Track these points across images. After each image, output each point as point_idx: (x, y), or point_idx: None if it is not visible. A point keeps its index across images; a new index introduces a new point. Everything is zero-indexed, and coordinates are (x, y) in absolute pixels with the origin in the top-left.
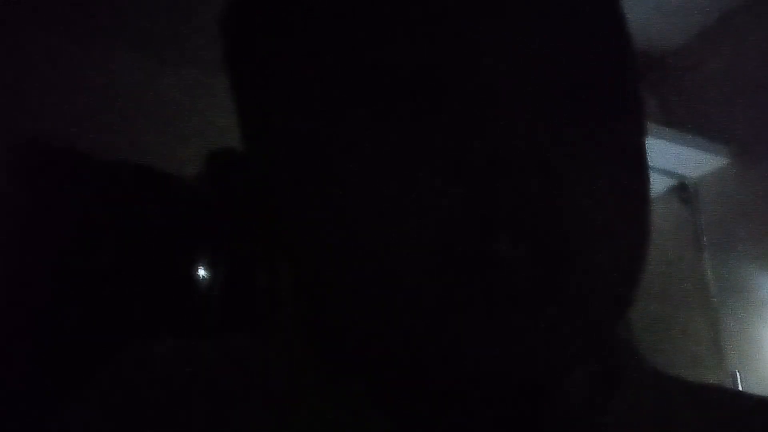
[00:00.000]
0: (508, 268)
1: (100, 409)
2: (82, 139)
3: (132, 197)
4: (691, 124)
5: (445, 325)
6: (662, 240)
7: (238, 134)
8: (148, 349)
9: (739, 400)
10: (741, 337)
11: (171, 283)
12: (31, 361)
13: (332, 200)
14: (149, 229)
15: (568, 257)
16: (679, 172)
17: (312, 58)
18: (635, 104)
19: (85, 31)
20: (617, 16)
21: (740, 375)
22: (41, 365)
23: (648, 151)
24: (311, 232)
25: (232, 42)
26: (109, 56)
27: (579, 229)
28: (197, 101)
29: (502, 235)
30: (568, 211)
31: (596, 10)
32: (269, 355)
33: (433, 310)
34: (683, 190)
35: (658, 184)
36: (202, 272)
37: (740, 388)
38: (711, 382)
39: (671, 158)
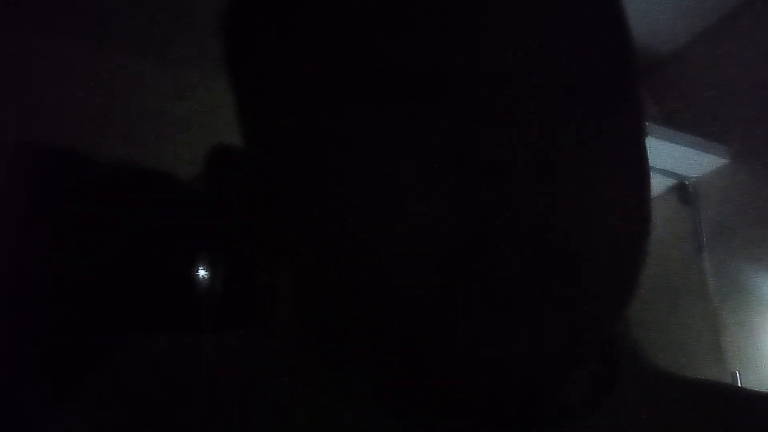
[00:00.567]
0: (509, 268)
1: (99, 407)
2: (81, 140)
3: (132, 197)
4: (690, 125)
5: (446, 324)
6: (661, 240)
7: (238, 134)
8: (146, 346)
9: (739, 396)
10: (741, 337)
11: (171, 283)
12: (30, 360)
13: (332, 199)
14: (149, 229)
15: (568, 258)
16: (679, 172)
17: (312, 57)
18: (635, 104)
19: (83, 31)
20: (618, 16)
21: (740, 375)
22: (41, 364)
23: (648, 150)
24: (311, 230)
25: (231, 41)
26: (107, 57)
27: (579, 229)
28: (197, 102)
29: (502, 235)
30: (568, 211)
31: (596, 10)
32: (269, 354)
33: (434, 310)
34: (683, 190)
35: (657, 184)
36: (202, 271)
37: None
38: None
39: (670, 158)
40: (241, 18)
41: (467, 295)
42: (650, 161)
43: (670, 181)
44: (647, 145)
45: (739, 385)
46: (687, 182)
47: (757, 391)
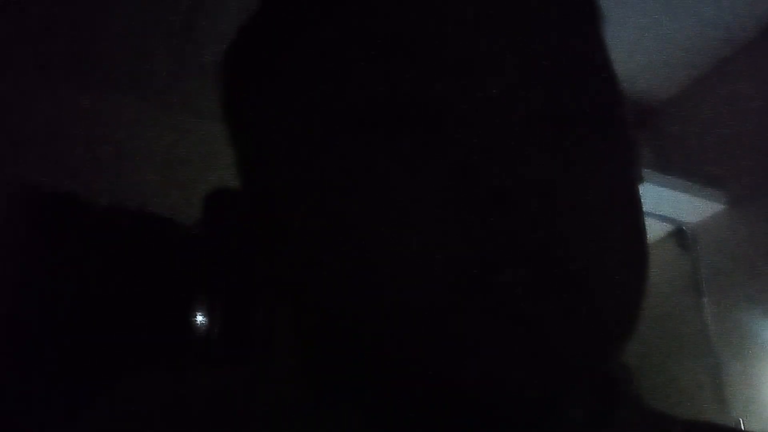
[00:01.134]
0: (513, 293)
1: None
2: (80, 184)
3: (129, 241)
4: (687, 170)
5: (451, 363)
6: (661, 286)
7: (236, 177)
8: (144, 385)
9: None
10: (743, 384)
11: (169, 326)
12: (29, 401)
13: (334, 237)
14: (147, 271)
15: (570, 280)
16: (677, 217)
17: (310, 98)
18: (625, 137)
19: (84, 77)
20: (603, 56)
21: (743, 422)
22: (39, 406)
23: (644, 195)
24: (313, 269)
25: (229, 86)
26: (106, 100)
27: (579, 253)
28: (196, 147)
29: (505, 261)
30: (568, 235)
31: (585, 55)
32: (266, 392)
33: (439, 349)
34: (681, 236)
35: (655, 230)
36: (199, 314)
37: None
38: None
39: (668, 204)
40: (241, 64)
41: (473, 327)
42: (648, 207)
43: (668, 227)
44: (644, 191)
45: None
46: (685, 228)
47: None
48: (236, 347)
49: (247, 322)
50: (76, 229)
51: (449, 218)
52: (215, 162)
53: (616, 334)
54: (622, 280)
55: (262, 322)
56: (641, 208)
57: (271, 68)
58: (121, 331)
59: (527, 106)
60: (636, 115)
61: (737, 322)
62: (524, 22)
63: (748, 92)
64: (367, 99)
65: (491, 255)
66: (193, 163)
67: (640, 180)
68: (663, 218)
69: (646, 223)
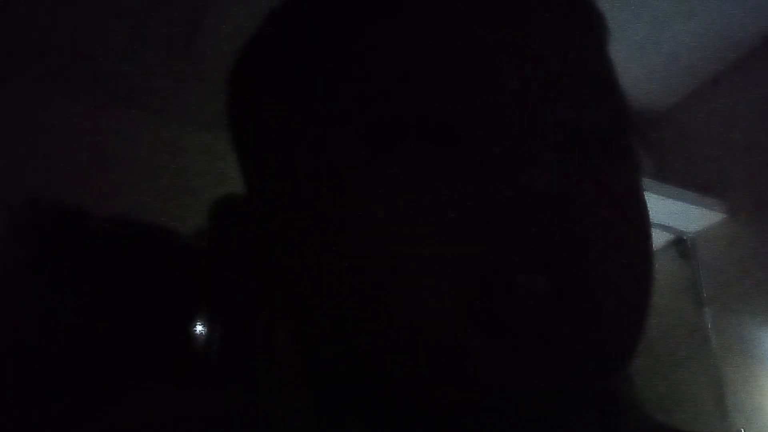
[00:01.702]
0: (521, 306)
1: None
2: (82, 196)
3: (131, 253)
4: (687, 180)
5: (457, 375)
6: (662, 295)
7: (241, 188)
8: (144, 401)
9: None
10: (745, 395)
11: (169, 339)
12: (28, 413)
13: (344, 249)
14: (149, 284)
15: (581, 296)
16: (677, 227)
17: (320, 110)
18: (630, 149)
19: (84, 88)
20: (612, 75)
21: None
22: (39, 418)
23: (645, 200)
24: (319, 281)
25: (238, 97)
26: (107, 112)
27: (591, 268)
28: (199, 157)
29: (518, 274)
30: (581, 248)
31: (595, 70)
32: (267, 408)
33: (446, 361)
34: (682, 245)
35: (656, 239)
36: (200, 326)
37: None
38: None
39: (668, 213)
40: (250, 74)
41: (481, 339)
42: (648, 216)
43: (669, 236)
44: (646, 199)
45: None
46: (685, 237)
47: None
48: (237, 359)
49: (249, 334)
50: (76, 241)
51: (461, 229)
52: (217, 173)
53: (622, 350)
54: (629, 296)
55: (264, 334)
56: (649, 224)
57: (281, 80)
58: (121, 342)
59: (539, 119)
60: (636, 124)
61: (738, 332)
62: (538, 39)
63: (747, 102)
64: (380, 111)
65: (504, 266)
66: (194, 174)
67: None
68: (663, 227)
69: None
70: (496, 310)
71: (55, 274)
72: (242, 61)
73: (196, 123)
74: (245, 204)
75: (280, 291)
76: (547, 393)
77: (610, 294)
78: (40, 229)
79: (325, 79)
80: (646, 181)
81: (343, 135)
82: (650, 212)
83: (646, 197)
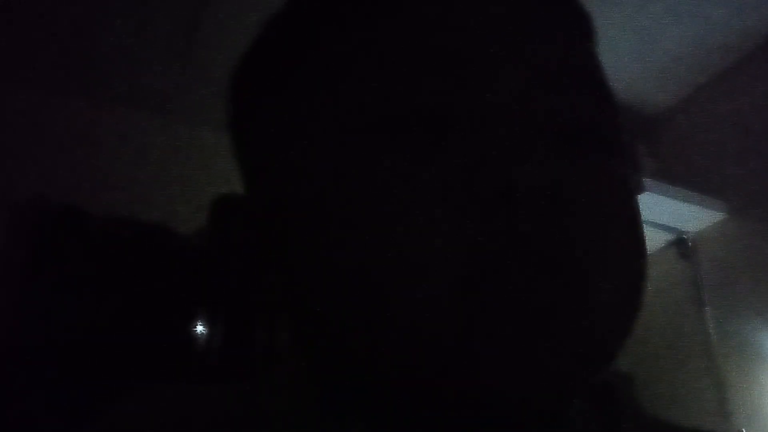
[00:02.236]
0: (520, 290)
1: None
2: (81, 196)
3: (131, 253)
4: (688, 180)
5: (454, 369)
6: (663, 295)
7: (239, 187)
8: (145, 400)
9: None
10: (746, 395)
11: (170, 338)
12: (29, 412)
13: (343, 244)
14: (149, 284)
15: (571, 286)
16: (677, 226)
17: (320, 108)
18: (620, 146)
19: (85, 88)
20: (599, 74)
21: None
22: (39, 417)
23: (645, 205)
24: (319, 277)
25: (239, 96)
26: (109, 113)
27: (582, 258)
28: (201, 158)
29: (509, 264)
30: (573, 235)
31: (581, 68)
32: (269, 407)
33: (443, 355)
34: (682, 245)
35: (656, 239)
36: (201, 326)
37: None
38: None
39: (669, 213)
40: (249, 75)
41: (477, 332)
42: (649, 216)
43: (670, 236)
44: (645, 200)
45: None
46: (686, 237)
47: None
48: (238, 358)
49: (250, 335)
50: (77, 241)
51: (454, 222)
52: (218, 173)
53: (612, 341)
54: (620, 287)
55: (265, 334)
56: (640, 218)
57: (279, 79)
58: (121, 342)
59: (530, 114)
60: (637, 124)
61: (739, 332)
62: (530, 37)
63: (748, 102)
64: (375, 107)
65: (496, 257)
66: (195, 174)
67: (642, 189)
68: (664, 227)
69: (648, 232)
70: (487, 301)
71: (55, 274)
72: (242, 64)
73: (198, 123)
74: (244, 203)
75: (280, 290)
76: (538, 384)
77: (601, 285)
78: (41, 229)
79: (322, 79)
80: (647, 181)
81: (341, 133)
82: (651, 212)
83: (646, 197)
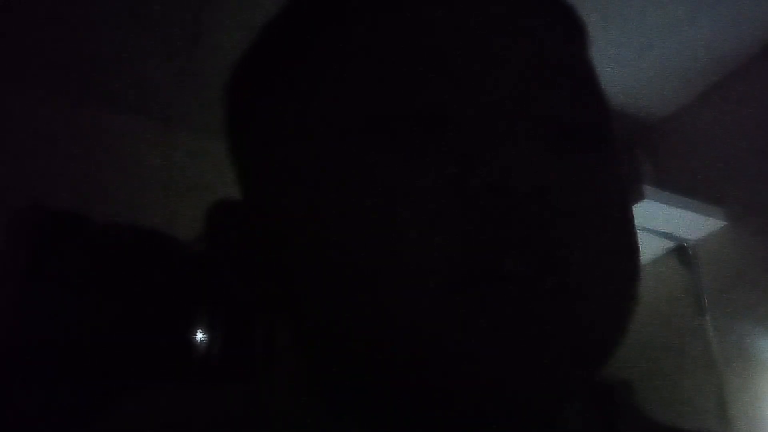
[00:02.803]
0: (512, 288)
1: None
2: (80, 202)
3: (131, 258)
4: (687, 187)
5: (450, 369)
6: (662, 302)
7: (238, 193)
8: (145, 403)
9: None
10: (747, 401)
11: (170, 341)
12: (29, 416)
13: (337, 245)
14: (149, 289)
15: (564, 287)
16: (678, 234)
17: (316, 110)
18: (611, 147)
19: (86, 93)
20: (592, 78)
21: None
22: (39, 421)
23: (645, 212)
24: (316, 279)
25: (237, 99)
26: (108, 119)
27: (574, 258)
28: (200, 165)
29: (502, 262)
30: (564, 233)
31: (574, 72)
32: (269, 408)
33: (439, 355)
34: (682, 253)
35: (656, 247)
36: (200, 330)
37: None
38: None
39: (669, 221)
40: (247, 77)
41: (471, 331)
42: (649, 224)
43: (669, 244)
44: (645, 208)
45: None
46: (686, 244)
47: None
48: (238, 360)
49: (249, 338)
50: (75, 247)
51: (449, 221)
52: (217, 179)
53: (604, 340)
54: (613, 284)
55: (264, 337)
56: (633, 218)
57: (276, 81)
58: (121, 345)
59: (524, 114)
60: (637, 132)
61: (739, 339)
62: (520, 36)
63: (747, 109)
64: (370, 107)
65: (491, 255)
66: (195, 179)
67: (641, 196)
68: (664, 235)
69: (648, 240)
70: (482, 301)
71: (55, 278)
72: (239, 66)
73: (197, 129)
74: (240, 207)
75: (279, 291)
76: (534, 383)
77: (595, 283)
78: (41, 234)
79: (318, 80)
80: (646, 189)
81: (337, 134)
82: (651, 220)
83: (646, 204)
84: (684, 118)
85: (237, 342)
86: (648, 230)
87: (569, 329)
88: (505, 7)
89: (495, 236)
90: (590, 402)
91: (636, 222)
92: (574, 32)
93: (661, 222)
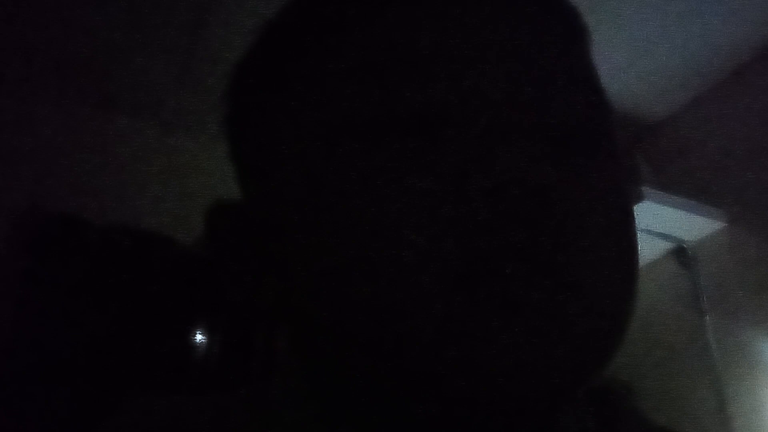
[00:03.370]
0: (511, 288)
1: None
2: (82, 206)
3: (132, 263)
4: (687, 189)
5: (449, 371)
6: (662, 304)
7: (238, 195)
8: (144, 409)
9: None
10: (746, 403)
11: (169, 346)
12: (29, 422)
13: (336, 247)
14: (148, 292)
15: (566, 276)
16: (677, 235)
17: (315, 112)
18: (614, 154)
19: (83, 96)
20: (593, 78)
21: None
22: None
23: (644, 213)
24: (315, 283)
25: (236, 101)
26: (107, 120)
27: (573, 259)
28: (200, 166)
29: (499, 263)
30: (563, 232)
31: (574, 71)
32: (267, 414)
33: (445, 366)
34: (682, 254)
35: (656, 248)
36: (200, 336)
37: None
38: None
39: (669, 222)
40: (246, 79)
41: (471, 332)
42: (648, 225)
43: (669, 245)
44: (644, 209)
45: None
46: (686, 246)
47: None
48: (237, 367)
49: (249, 342)
50: (76, 249)
51: (447, 222)
52: (218, 182)
53: (603, 339)
54: (612, 285)
55: (264, 340)
56: (633, 219)
57: (274, 83)
58: (120, 351)
59: (523, 115)
60: (636, 133)
61: (739, 341)
62: (519, 36)
63: (747, 110)
64: (368, 109)
65: (488, 256)
66: (195, 182)
67: (640, 198)
68: (663, 236)
69: (647, 241)
70: (480, 302)
71: (55, 282)
72: (238, 69)
73: (196, 130)
74: (239, 209)
75: (278, 292)
76: (531, 384)
77: (593, 284)
78: (41, 237)
79: (317, 82)
80: (646, 190)
81: (335, 136)
82: (650, 221)
83: (645, 205)
84: (683, 120)
85: (236, 347)
86: (647, 231)
87: (569, 330)
88: (505, 8)
89: (494, 238)
90: (589, 403)
91: (635, 223)
92: (576, 34)
93: (660, 223)
